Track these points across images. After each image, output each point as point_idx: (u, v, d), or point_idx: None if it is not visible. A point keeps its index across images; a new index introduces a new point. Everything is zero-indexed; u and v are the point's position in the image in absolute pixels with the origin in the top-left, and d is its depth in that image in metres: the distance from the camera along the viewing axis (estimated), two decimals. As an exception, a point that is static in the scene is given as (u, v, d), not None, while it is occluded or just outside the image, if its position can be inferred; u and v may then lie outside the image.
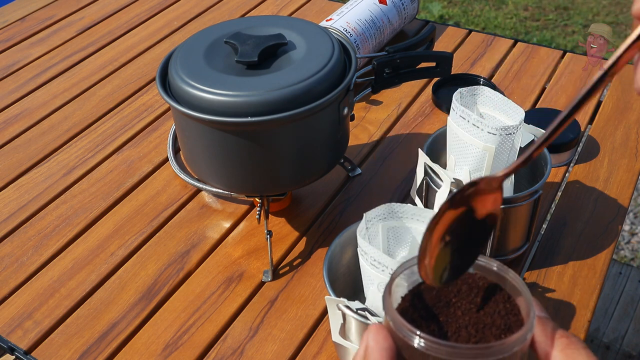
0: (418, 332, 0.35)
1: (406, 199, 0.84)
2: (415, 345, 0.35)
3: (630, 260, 1.80)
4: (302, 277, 0.75)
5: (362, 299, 0.59)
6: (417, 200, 0.73)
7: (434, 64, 0.84)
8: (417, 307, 0.39)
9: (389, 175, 0.88)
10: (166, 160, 0.93)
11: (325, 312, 0.71)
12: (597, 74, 0.34)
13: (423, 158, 0.68)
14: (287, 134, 0.68)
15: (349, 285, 0.65)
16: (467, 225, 0.38)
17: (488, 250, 0.71)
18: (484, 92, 0.68)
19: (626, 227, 1.90)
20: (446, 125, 0.69)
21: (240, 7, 1.28)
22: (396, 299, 0.39)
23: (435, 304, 0.39)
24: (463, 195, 0.37)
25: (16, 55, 1.17)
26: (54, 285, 0.76)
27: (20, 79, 1.11)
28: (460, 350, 0.35)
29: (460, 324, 0.38)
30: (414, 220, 0.60)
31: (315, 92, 0.67)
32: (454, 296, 0.39)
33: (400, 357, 0.36)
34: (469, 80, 1.02)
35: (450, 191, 0.66)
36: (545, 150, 0.71)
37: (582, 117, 0.96)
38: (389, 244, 0.62)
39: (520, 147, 0.68)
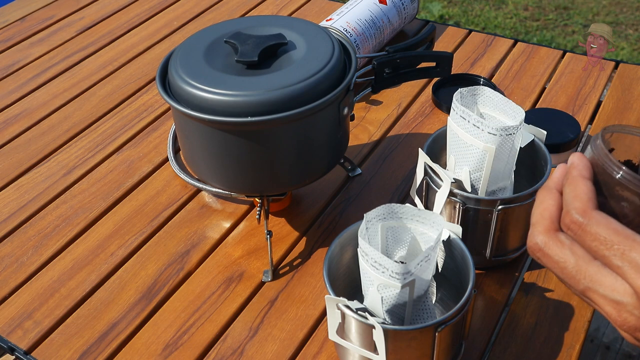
0: (623, 167, 0.41)
1: (406, 199, 0.84)
2: (618, 177, 0.41)
3: (630, 260, 1.80)
4: (302, 277, 0.76)
5: (362, 299, 0.59)
6: (417, 200, 0.73)
7: (434, 64, 0.84)
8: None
9: (389, 175, 0.88)
10: (166, 160, 0.93)
11: (325, 312, 0.71)
12: None
13: (423, 158, 0.68)
14: (287, 134, 0.68)
15: (349, 285, 0.65)
16: None
17: (488, 250, 0.71)
18: (484, 92, 0.68)
19: (626, 227, 1.90)
20: (446, 125, 0.69)
21: (240, 7, 1.28)
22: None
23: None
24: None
25: (16, 55, 1.17)
26: (54, 285, 0.76)
27: (20, 79, 1.11)
28: None
29: None
30: (414, 221, 0.60)
31: (315, 92, 0.67)
32: None
33: (598, 190, 0.42)
34: (469, 80, 1.02)
35: (451, 191, 0.66)
36: (545, 150, 0.71)
37: (582, 117, 0.96)
38: (387, 243, 0.62)
39: (520, 147, 0.68)
